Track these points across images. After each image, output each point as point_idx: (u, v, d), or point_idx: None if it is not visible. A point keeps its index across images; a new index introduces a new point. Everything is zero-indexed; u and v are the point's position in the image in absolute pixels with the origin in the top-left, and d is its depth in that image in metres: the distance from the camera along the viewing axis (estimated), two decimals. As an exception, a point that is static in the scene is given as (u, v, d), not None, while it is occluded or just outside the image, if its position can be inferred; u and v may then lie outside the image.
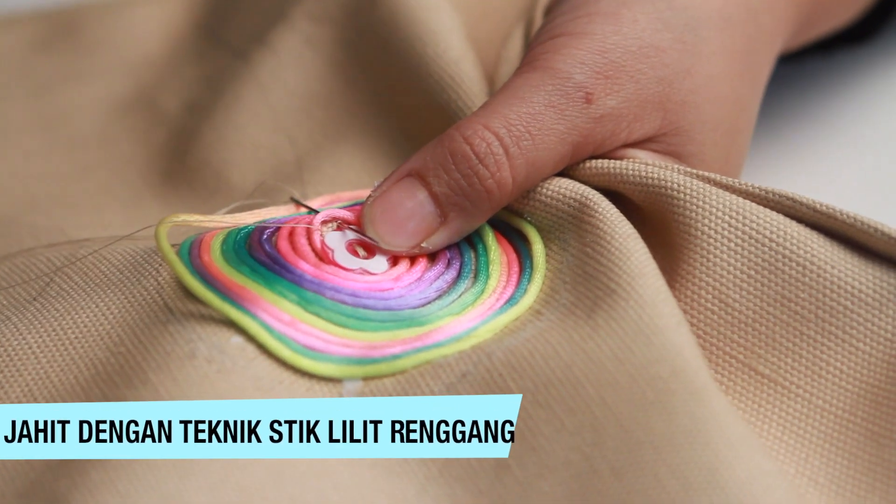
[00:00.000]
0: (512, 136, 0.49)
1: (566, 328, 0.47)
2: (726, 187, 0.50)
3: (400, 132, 0.59)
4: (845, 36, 0.69)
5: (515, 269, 0.51)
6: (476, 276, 0.50)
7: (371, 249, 0.51)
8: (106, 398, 0.46)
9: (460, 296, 0.50)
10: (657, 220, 0.51)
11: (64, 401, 0.47)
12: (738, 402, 0.49)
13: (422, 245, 0.50)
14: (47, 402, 0.47)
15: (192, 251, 0.50)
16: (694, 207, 0.50)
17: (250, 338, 0.47)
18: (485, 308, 0.49)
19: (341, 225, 0.51)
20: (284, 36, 0.62)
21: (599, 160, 0.52)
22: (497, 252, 0.51)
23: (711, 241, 0.49)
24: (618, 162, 0.51)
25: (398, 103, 0.59)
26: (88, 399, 0.46)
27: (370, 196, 0.50)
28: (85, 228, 0.58)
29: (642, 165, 0.51)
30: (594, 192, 0.51)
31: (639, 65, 0.51)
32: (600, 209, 0.50)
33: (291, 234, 0.50)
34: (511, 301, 0.49)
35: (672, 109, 0.52)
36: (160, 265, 0.50)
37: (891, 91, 0.71)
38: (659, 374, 0.44)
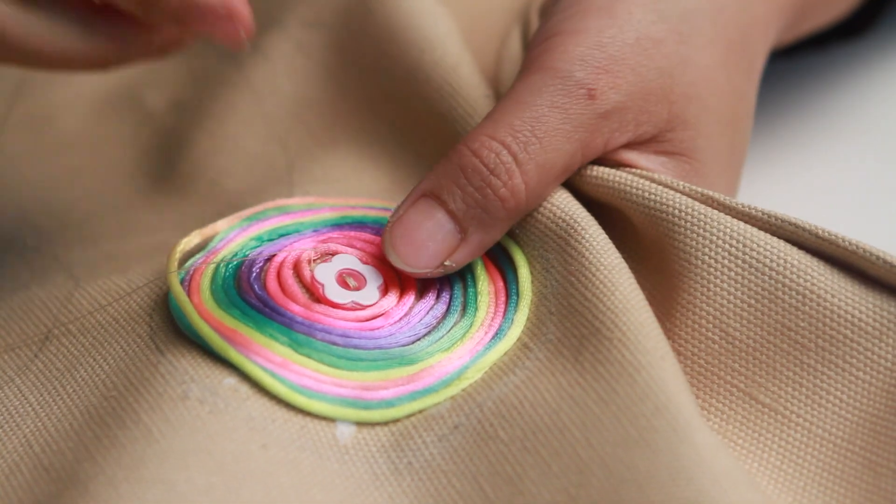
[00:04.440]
0: (518, 142, 0.49)
1: (554, 372, 0.47)
2: (728, 209, 0.50)
3: (394, 138, 0.59)
4: (840, 30, 0.69)
5: (503, 298, 0.50)
6: (465, 309, 0.50)
7: (361, 280, 0.50)
8: (98, 438, 0.46)
9: (449, 331, 0.50)
10: (656, 245, 0.51)
11: (59, 446, 0.47)
12: (738, 431, 0.49)
13: (445, 264, 0.49)
14: (42, 448, 0.47)
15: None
16: (694, 236, 0.49)
17: (243, 379, 0.47)
18: (474, 343, 0.49)
19: (326, 257, 0.51)
20: (277, 42, 0.61)
21: (604, 168, 0.52)
22: (485, 282, 0.51)
23: (712, 270, 0.49)
24: (622, 174, 0.51)
25: (394, 110, 0.58)
26: (81, 441, 0.46)
27: (388, 222, 0.50)
28: (73, 246, 0.57)
29: (646, 183, 0.51)
30: (583, 213, 0.50)
31: (638, 57, 0.51)
32: (587, 235, 0.49)
33: (280, 272, 0.50)
34: (499, 334, 0.49)
35: (676, 102, 0.52)
36: (153, 309, 0.50)
37: (886, 85, 0.71)
38: (642, 412, 0.45)
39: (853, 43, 0.70)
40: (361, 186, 0.56)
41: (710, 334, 0.49)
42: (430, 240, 0.49)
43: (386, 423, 0.47)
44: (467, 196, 0.49)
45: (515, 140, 0.49)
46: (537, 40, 0.52)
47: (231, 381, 0.47)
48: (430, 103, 0.56)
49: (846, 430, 0.48)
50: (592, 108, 0.50)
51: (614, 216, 0.52)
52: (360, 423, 0.47)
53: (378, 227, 0.52)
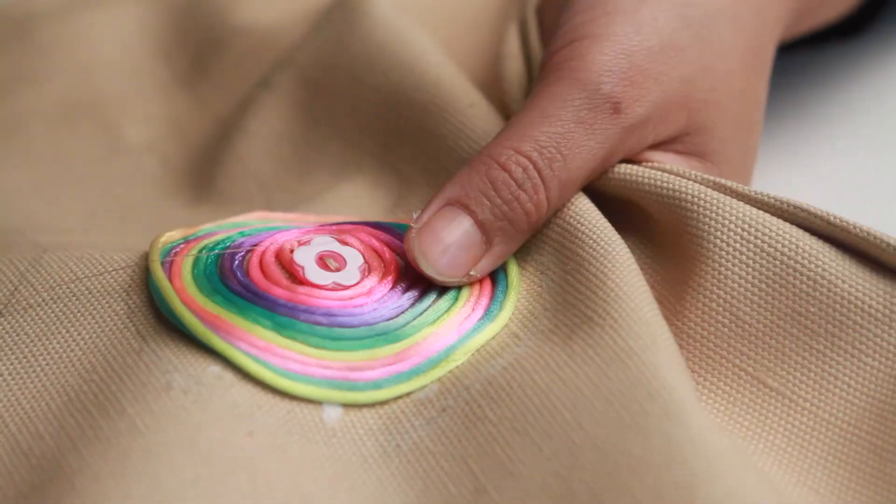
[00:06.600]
0: (544, 158, 0.49)
1: (543, 354, 0.47)
2: (741, 196, 0.50)
3: (375, 161, 0.58)
4: (838, 29, 0.69)
5: (488, 280, 0.50)
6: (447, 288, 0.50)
7: (342, 261, 0.50)
8: (81, 428, 0.45)
9: (434, 302, 0.49)
10: (670, 232, 0.51)
11: (36, 428, 0.46)
12: (744, 414, 0.49)
13: (470, 273, 0.50)
14: (19, 428, 0.46)
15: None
16: (707, 220, 0.49)
17: (227, 366, 0.46)
18: (461, 318, 0.49)
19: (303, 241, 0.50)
20: (255, 90, 0.61)
21: (616, 164, 0.52)
22: None
23: (724, 253, 0.49)
24: (635, 168, 0.51)
25: (371, 131, 0.58)
26: (63, 428, 0.46)
27: (412, 229, 0.49)
28: (44, 236, 0.57)
29: (659, 173, 0.51)
30: (581, 206, 0.51)
31: (661, 66, 0.51)
32: (584, 229, 0.49)
33: (262, 258, 0.49)
34: (487, 315, 0.49)
35: (695, 108, 0.52)
36: (130, 288, 0.49)
37: (883, 84, 0.71)
38: (635, 398, 0.44)
39: (850, 42, 0.71)
40: (340, 203, 0.56)
41: (719, 317, 0.49)
42: (459, 248, 0.49)
43: (373, 406, 0.47)
44: (496, 208, 0.49)
45: (542, 156, 0.49)
46: (558, 43, 0.51)
47: (215, 368, 0.46)
48: (413, 122, 0.56)
49: (853, 414, 0.48)
50: (618, 123, 0.50)
51: (627, 206, 0.52)
52: (347, 405, 0.47)
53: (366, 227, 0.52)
